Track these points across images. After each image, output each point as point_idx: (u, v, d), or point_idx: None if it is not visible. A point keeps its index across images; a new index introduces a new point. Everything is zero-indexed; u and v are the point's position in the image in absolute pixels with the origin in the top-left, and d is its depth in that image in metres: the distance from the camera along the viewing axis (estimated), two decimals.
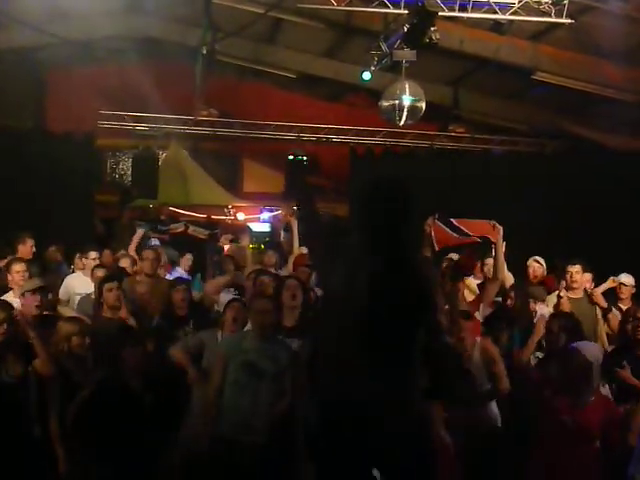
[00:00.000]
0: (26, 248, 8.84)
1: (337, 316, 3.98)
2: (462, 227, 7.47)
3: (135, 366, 5.43)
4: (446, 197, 13.98)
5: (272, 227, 17.21)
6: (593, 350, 5.33)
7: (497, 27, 11.33)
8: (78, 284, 8.34)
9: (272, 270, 8.92)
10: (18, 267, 7.56)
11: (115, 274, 7.44)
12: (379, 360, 3.84)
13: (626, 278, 8.18)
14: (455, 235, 7.45)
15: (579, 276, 7.87)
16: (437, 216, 7.29)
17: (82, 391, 5.23)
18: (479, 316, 6.93)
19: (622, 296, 8.10)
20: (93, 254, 8.82)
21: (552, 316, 6.68)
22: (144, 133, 16.34)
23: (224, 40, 13.47)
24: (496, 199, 13.49)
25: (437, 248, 7.34)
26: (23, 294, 6.56)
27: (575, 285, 7.84)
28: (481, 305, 7.12)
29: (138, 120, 15.95)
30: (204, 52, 13.30)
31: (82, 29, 13.92)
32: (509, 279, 7.83)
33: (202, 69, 13.80)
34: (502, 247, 7.17)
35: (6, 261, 8.11)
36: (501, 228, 7.12)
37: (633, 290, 8.18)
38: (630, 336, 6.60)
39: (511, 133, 16.22)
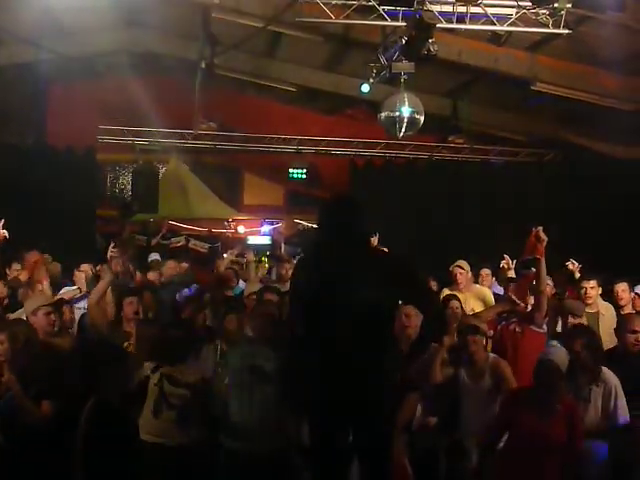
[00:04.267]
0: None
1: (318, 309, 4.65)
2: None
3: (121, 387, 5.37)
4: (446, 208, 14.05)
5: (272, 240, 17.23)
6: (562, 355, 5.32)
7: (495, 38, 11.36)
8: None
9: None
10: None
11: (135, 288, 7.44)
12: (362, 337, 4.54)
13: None
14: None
15: (594, 291, 7.80)
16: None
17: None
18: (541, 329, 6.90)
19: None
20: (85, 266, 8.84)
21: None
22: (144, 147, 16.39)
23: (223, 54, 13.50)
24: (496, 209, 13.54)
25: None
26: (35, 313, 6.40)
27: (589, 301, 7.75)
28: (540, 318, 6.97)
29: (138, 134, 16.00)
30: (203, 66, 13.35)
31: (82, 44, 13.96)
32: None
33: (201, 83, 13.83)
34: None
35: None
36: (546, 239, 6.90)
37: None
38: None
39: (510, 143, 16.26)
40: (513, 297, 7.31)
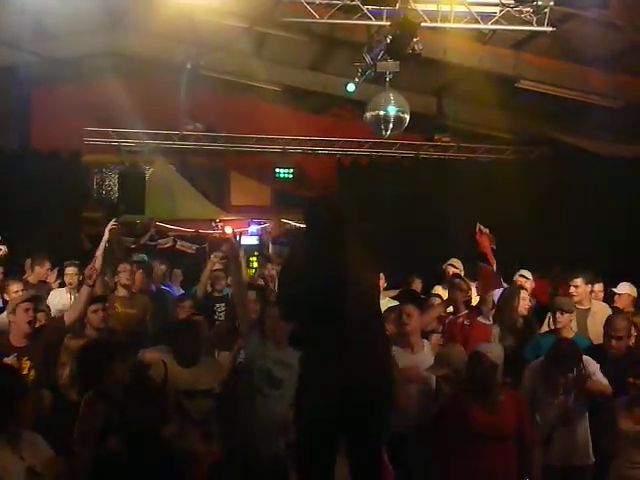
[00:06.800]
0: (42, 270, 8.81)
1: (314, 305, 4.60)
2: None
3: (120, 381, 5.39)
4: (432, 206, 14.07)
5: (260, 240, 17.20)
6: (497, 349, 5.38)
7: (480, 36, 11.40)
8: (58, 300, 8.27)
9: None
10: (15, 287, 7.53)
11: (101, 296, 7.35)
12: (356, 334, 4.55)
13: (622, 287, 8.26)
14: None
15: (580, 289, 7.81)
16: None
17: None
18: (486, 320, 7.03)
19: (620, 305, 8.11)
20: (72, 269, 8.68)
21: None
22: (130, 149, 16.33)
23: (209, 55, 13.50)
24: (482, 207, 13.54)
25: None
26: (14, 310, 6.18)
27: (576, 298, 7.74)
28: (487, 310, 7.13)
29: (124, 136, 15.93)
30: (189, 67, 13.34)
31: (66, 47, 13.92)
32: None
33: (187, 84, 13.81)
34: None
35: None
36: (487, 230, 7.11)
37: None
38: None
39: (496, 141, 16.29)
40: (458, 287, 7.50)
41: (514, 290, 7.60)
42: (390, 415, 4.82)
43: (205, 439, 5.61)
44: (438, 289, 8.85)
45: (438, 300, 8.00)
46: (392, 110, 11.13)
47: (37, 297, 6.78)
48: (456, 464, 5.16)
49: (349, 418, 4.55)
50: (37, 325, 6.23)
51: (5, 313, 7.01)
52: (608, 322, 6.55)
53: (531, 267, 8.76)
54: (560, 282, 9.46)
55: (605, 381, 5.76)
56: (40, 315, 6.45)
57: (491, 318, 7.07)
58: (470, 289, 7.49)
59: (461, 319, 7.14)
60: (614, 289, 8.33)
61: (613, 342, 6.32)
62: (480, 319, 7.00)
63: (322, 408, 4.54)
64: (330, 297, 4.57)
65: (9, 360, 5.78)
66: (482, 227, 7.12)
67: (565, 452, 5.70)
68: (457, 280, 7.67)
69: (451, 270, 8.92)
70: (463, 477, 5.15)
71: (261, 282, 9.34)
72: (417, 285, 9.75)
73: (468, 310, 7.21)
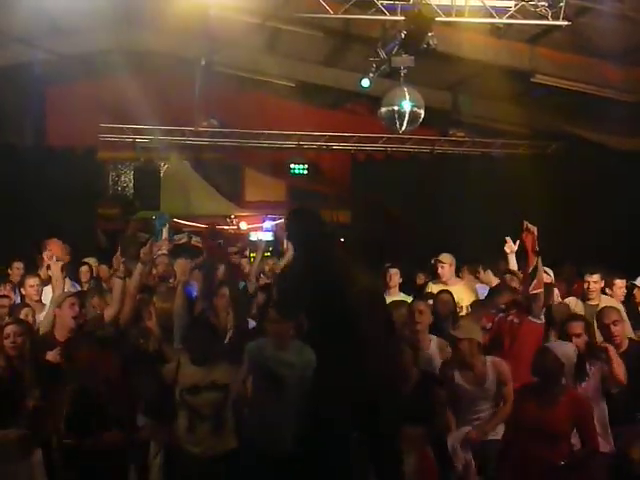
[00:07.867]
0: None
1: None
2: None
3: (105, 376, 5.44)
4: (447, 201, 14.06)
5: (275, 235, 17.22)
6: (567, 349, 5.35)
7: (495, 31, 11.34)
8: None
9: None
10: (31, 281, 7.58)
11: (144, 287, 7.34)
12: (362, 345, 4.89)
13: None
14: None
15: (597, 285, 7.92)
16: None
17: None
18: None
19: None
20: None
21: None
22: (145, 145, 16.37)
23: (222, 51, 13.49)
24: (498, 202, 13.53)
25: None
26: (60, 305, 6.25)
27: (592, 295, 7.88)
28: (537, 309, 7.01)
29: (139, 132, 15.98)
30: (203, 63, 13.34)
31: (80, 44, 13.94)
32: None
33: (201, 80, 13.82)
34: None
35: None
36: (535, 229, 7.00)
37: None
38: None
39: (512, 136, 16.22)
40: (513, 285, 7.43)
41: (547, 288, 7.57)
42: (395, 415, 4.89)
43: (216, 433, 5.62)
44: (430, 285, 8.85)
45: (448, 296, 8.00)
46: (407, 105, 11.07)
47: (83, 293, 6.84)
48: (507, 460, 5.17)
49: (358, 417, 4.63)
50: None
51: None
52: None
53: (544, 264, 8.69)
54: (573, 280, 9.47)
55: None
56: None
57: (542, 317, 6.96)
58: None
59: (511, 317, 7.04)
60: (634, 282, 8.32)
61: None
62: (530, 318, 6.87)
63: (331, 407, 4.62)
64: (325, 302, 4.87)
65: (52, 355, 5.84)
66: (530, 225, 6.95)
67: None
68: (508, 276, 7.63)
69: (439, 265, 8.89)
70: (513, 473, 5.13)
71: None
72: (421, 280, 9.79)
73: (517, 309, 7.10)
